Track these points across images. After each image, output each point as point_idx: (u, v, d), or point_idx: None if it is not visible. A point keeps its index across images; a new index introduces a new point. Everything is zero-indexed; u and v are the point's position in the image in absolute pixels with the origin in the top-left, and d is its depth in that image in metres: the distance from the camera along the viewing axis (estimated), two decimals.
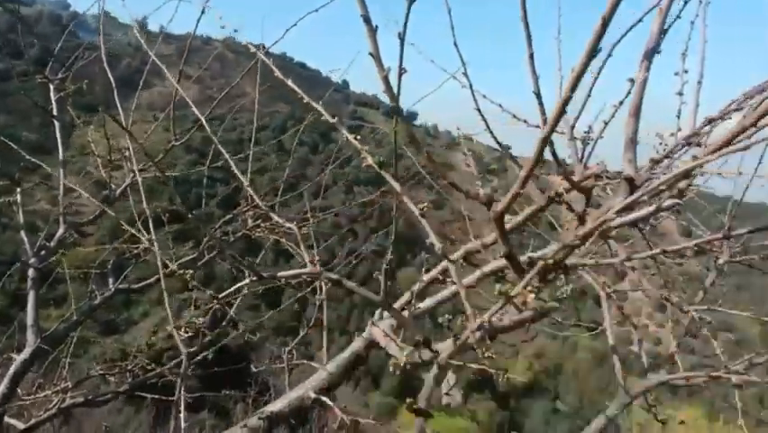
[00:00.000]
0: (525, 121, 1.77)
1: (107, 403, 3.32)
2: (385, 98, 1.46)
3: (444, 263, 1.74)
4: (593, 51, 1.11)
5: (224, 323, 3.26)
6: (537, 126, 1.43)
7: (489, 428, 39.97)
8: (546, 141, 1.20)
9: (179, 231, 5.09)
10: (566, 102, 1.15)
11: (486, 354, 1.31)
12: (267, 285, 2.99)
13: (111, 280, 3.71)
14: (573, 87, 1.15)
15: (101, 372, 3.50)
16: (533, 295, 1.18)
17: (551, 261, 1.15)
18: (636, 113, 1.51)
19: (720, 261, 2.53)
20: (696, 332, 2.56)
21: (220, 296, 2.24)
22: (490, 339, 1.32)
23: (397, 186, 1.54)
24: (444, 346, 1.31)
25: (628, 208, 1.28)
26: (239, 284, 2.21)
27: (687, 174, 1.22)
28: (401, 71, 1.35)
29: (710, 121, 1.37)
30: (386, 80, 1.38)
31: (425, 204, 1.48)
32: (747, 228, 1.68)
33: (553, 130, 1.18)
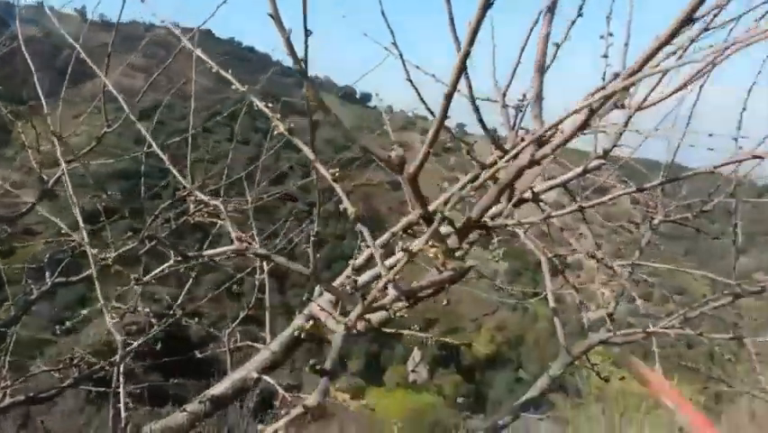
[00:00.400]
0: (458, 90, 1.78)
1: (51, 399, 3.23)
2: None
3: (383, 238, 1.77)
4: (487, 2, 1.10)
5: (171, 311, 3.21)
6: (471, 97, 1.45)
7: (455, 401, 40.82)
8: (450, 97, 1.19)
9: (130, 226, 4.97)
10: (465, 57, 1.14)
11: (397, 315, 1.32)
12: (191, 265, 2.95)
13: (47, 274, 3.60)
14: (471, 42, 1.14)
15: (44, 369, 3.42)
16: (434, 249, 1.20)
17: (445, 213, 1.16)
18: (541, 69, 1.51)
19: (655, 221, 2.65)
20: (630, 290, 2.67)
21: (144, 279, 2.22)
22: (407, 300, 1.33)
23: (311, 154, 1.51)
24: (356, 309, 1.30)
25: (534, 163, 1.30)
26: (162, 266, 2.18)
27: (584, 126, 1.25)
28: (307, 33, 1.27)
29: (616, 75, 1.40)
30: (288, 43, 1.29)
31: (337, 170, 1.46)
32: (659, 180, 1.76)
33: (455, 86, 1.17)
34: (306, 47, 1.29)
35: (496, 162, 1.35)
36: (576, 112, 1.17)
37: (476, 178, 1.35)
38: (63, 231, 3.43)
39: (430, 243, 1.18)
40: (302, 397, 1.17)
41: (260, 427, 1.03)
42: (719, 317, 2.97)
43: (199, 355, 3.21)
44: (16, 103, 4.03)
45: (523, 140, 1.36)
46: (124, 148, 5.27)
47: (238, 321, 2.76)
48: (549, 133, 1.29)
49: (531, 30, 1.55)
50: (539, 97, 1.48)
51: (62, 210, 3.52)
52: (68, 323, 3.08)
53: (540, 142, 1.30)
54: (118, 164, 5.36)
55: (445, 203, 1.46)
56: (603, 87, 1.36)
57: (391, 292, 1.29)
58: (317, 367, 1.09)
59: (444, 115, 1.21)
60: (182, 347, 4.41)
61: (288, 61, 1.34)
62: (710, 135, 1.44)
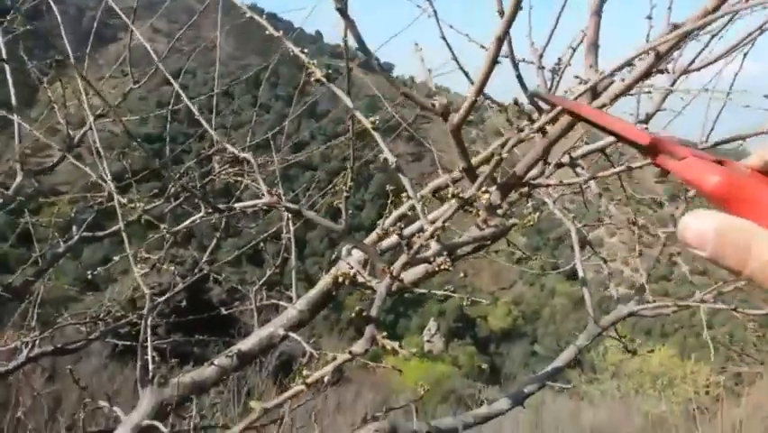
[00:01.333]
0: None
1: (77, 351, 3.31)
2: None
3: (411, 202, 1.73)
4: None
5: (195, 270, 3.24)
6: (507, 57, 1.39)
7: (469, 371, 41.19)
8: (501, 41, 1.13)
9: (159, 188, 5.05)
10: None
11: (441, 267, 1.29)
12: (221, 217, 2.96)
13: (74, 229, 3.65)
14: None
15: (72, 322, 3.50)
16: (487, 195, 1.16)
17: (499, 155, 1.11)
18: (598, 11, 1.40)
19: (690, 193, 2.58)
20: (667, 257, 2.62)
21: (173, 229, 2.22)
22: (449, 254, 1.30)
23: (348, 102, 1.46)
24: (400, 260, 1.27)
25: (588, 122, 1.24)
26: (193, 217, 2.17)
27: (647, 73, 1.19)
28: None
29: (675, 27, 1.31)
30: None
31: (376, 118, 1.41)
32: (717, 139, 1.70)
33: (508, 28, 1.11)
34: None
35: (531, 123, 1.29)
36: (644, 53, 1.10)
37: (521, 133, 1.27)
38: (90, 187, 3.46)
39: (482, 189, 1.15)
40: (327, 355, 1.17)
41: (305, 372, 1.03)
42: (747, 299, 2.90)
43: (225, 312, 3.24)
44: (41, 62, 4.04)
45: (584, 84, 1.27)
46: (149, 112, 5.28)
47: (265, 279, 2.77)
48: (604, 83, 1.23)
49: None
50: (595, 45, 1.38)
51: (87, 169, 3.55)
52: (100, 269, 3.12)
53: (595, 92, 1.23)
54: (141, 128, 5.39)
55: (489, 157, 1.41)
56: (673, 30, 1.26)
57: (433, 246, 1.26)
58: (364, 313, 1.09)
59: (495, 60, 1.15)
60: (203, 309, 4.48)
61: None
62: (766, 96, 1.36)
